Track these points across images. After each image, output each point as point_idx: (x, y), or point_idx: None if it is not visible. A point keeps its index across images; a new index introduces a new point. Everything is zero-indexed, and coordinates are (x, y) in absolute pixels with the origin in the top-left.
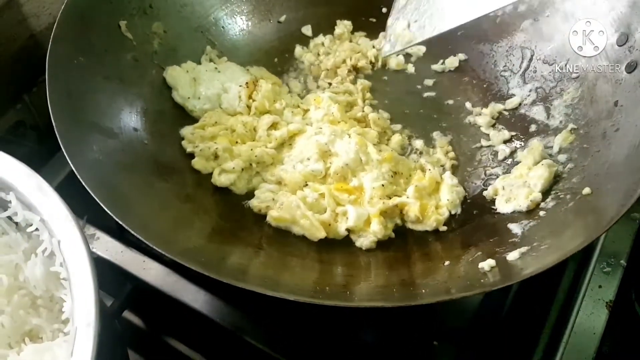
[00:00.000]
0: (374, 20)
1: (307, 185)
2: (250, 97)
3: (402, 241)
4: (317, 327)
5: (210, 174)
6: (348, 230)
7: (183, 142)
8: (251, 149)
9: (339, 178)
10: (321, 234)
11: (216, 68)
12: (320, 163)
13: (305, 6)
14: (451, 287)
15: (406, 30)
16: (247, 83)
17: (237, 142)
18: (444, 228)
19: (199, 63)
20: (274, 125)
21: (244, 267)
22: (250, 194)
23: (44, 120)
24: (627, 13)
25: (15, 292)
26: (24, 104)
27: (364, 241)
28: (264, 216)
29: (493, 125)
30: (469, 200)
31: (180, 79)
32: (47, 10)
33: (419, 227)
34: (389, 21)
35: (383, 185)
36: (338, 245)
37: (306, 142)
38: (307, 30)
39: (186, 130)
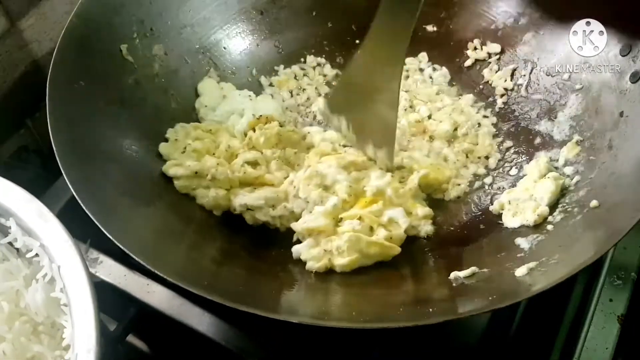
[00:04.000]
0: None
1: (340, 220)
2: (253, 128)
3: (408, 258)
4: (323, 349)
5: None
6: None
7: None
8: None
9: (353, 198)
10: (396, 249)
11: (250, 96)
12: (334, 197)
13: (306, 25)
14: (459, 305)
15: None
16: (260, 116)
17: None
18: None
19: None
20: (253, 163)
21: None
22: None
23: (47, 145)
24: None
25: (17, 318)
26: (27, 128)
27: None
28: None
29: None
30: (475, 216)
31: (212, 89)
32: (48, 35)
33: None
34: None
35: (392, 176)
36: None
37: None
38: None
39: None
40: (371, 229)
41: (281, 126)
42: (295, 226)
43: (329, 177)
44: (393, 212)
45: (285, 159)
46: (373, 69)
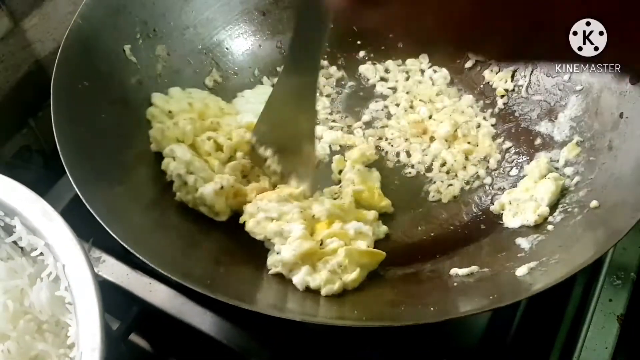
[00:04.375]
0: (383, 47)
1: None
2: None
3: (409, 258)
4: (324, 348)
5: None
6: None
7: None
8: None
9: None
10: (382, 254)
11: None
12: (294, 223)
13: None
14: (459, 305)
15: None
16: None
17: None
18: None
19: (203, 84)
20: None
21: (250, 289)
22: None
23: (50, 145)
24: None
25: (21, 317)
26: (30, 128)
27: None
28: None
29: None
30: (476, 216)
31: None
32: (51, 35)
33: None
34: None
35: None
36: None
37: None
38: None
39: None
40: (346, 244)
41: None
42: (283, 258)
43: (273, 211)
44: (354, 225)
45: (243, 168)
46: (289, 100)
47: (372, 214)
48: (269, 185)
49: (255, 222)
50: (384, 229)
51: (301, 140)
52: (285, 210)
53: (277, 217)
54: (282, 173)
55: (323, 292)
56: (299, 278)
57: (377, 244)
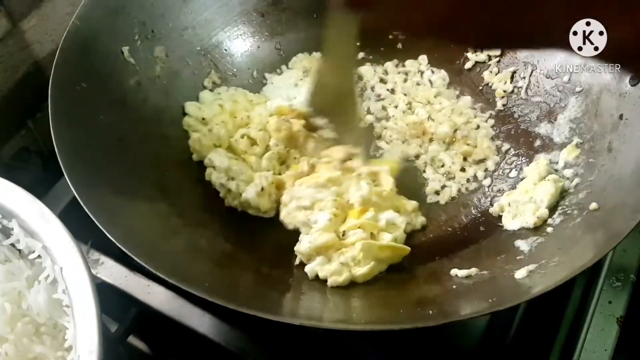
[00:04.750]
0: (382, 49)
1: (344, 234)
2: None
3: (407, 260)
4: (323, 351)
5: (217, 195)
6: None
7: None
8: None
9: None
10: (406, 249)
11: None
12: (324, 212)
13: (307, 27)
14: (459, 308)
15: None
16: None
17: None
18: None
19: (202, 85)
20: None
21: (249, 292)
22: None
23: (48, 146)
24: None
25: (19, 320)
26: (28, 129)
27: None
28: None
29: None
30: (475, 218)
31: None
32: (50, 36)
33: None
34: None
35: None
36: None
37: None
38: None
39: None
40: (372, 235)
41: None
42: (300, 249)
43: (306, 199)
44: (387, 215)
45: (279, 156)
46: (333, 71)
47: (412, 205)
48: (307, 166)
49: (287, 212)
50: (421, 220)
51: (348, 104)
52: (320, 197)
53: (310, 205)
54: (336, 138)
55: (329, 282)
56: (311, 267)
57: None
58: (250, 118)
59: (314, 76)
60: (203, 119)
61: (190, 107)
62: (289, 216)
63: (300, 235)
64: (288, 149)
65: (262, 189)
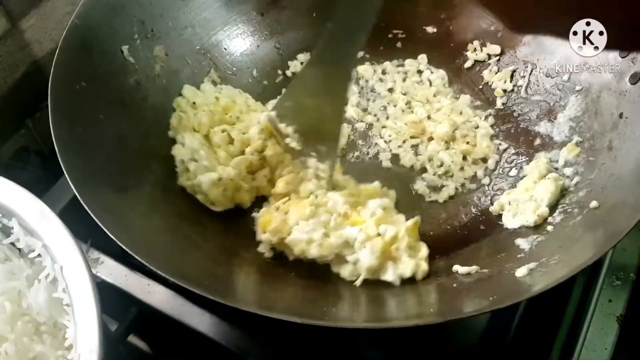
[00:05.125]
0: (382, 48)
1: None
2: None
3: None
4: (322, 349)
5: None
6: None
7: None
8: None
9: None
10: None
11: None
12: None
13: (306, 26)
14: (459, 306)
15: None
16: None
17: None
18: None
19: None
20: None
21: (249, 290)
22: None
23: (48, 145)
24: None
25: (19, 318)
26: (28, 129)
27: None
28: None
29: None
30: (475, 216)
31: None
32: (49, 36)
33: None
34: None
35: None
36: None
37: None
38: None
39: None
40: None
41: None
42: (367, 267)
43: (317, 230)
44: (373, 205)
45: (249, 164)
46: (319, 83)
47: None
48: (283, 186)
49: (302, 248)
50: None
51: (326, 123)
52: (325, 220)
53: (326, 232)
54: (301, 151)
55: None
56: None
57: None
58: (240, 120)
59: (296, 78)
60: (194, 103)
61: (187, 89)
62: (315, 249)
63: (347, 257)
64: (262, 162)
65: (220, 179)
